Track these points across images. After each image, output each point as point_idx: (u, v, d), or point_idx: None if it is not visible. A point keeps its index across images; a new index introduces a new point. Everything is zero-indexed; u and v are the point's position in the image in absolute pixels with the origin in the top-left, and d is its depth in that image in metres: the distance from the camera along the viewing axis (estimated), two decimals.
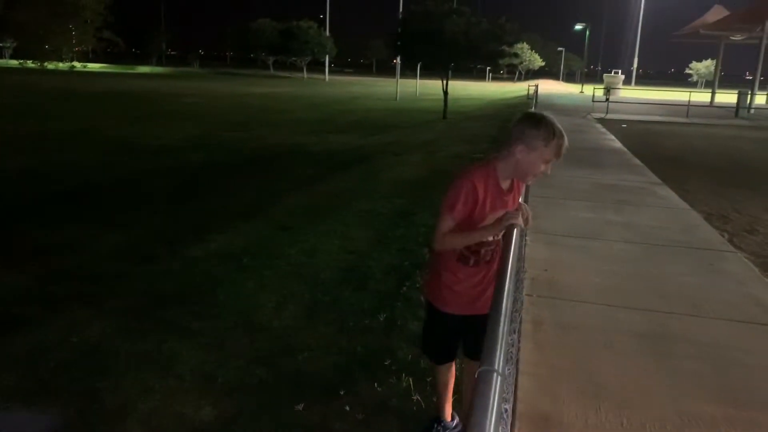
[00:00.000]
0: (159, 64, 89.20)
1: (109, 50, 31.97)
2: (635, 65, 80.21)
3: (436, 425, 3.10)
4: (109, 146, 13.06)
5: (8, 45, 44.52)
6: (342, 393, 3.49)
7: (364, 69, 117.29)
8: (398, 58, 24.64)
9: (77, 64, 17.01)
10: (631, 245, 6.12)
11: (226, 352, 3.99)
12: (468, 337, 2.91)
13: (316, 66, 76.77)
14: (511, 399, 1.62)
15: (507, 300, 1.45)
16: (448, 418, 3.14)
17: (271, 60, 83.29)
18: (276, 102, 29.20)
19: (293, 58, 75.91)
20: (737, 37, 39.03)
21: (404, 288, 5.11)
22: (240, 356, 3.93)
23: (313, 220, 7.43)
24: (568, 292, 4.76)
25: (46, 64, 16.42)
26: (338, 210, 7.99)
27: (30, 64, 16.07)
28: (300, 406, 3.35)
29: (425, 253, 5.83)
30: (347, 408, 3.34)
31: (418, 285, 5.09)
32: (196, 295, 5.01)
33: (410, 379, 3.61)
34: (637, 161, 11.74)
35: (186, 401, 3.38)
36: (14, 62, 19.63)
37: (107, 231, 6.81)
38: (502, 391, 1.12)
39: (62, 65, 16.31)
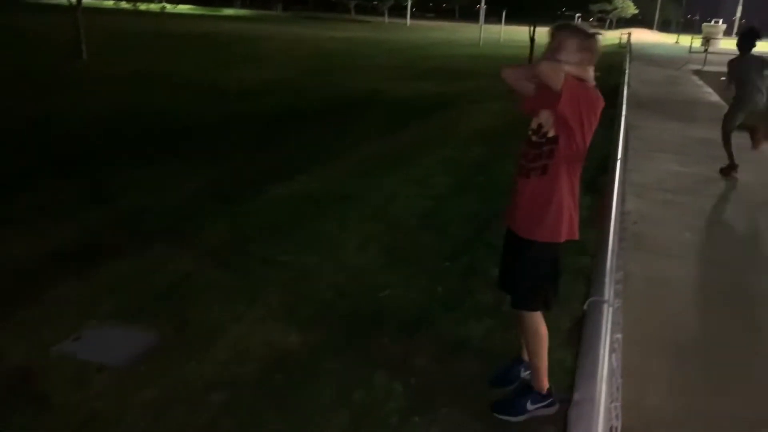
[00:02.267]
0: (244, 6, 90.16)
1: None
2: (738, 14, 74.30)
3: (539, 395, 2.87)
4: (193, 90, 13.42)
5: None
6: (422, 330, 3.56)
7: (446, 14, 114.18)
8: (482, 2, 23.80)
9: (168, 6, 17.45)
10: (723, 201, 5.84)
11: (312, 287, 4.13)
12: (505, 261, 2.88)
13: (398, 10, 75.49)
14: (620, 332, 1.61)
15: (614, 235, 1.42)
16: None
17: (352, 4, 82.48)
18: (356, 47, 29.04)
19: (375, 2, 74.90)
20: None
21: (484, 234, 5.09)
22: (324, 291, 4.06)
23: (391, 167, 7.45)
24: (657, 245, 4.63)
25: (138, 5, 16.89)
26: (417, 157, 7.97)
27: (124, 4, 16.61)
28: (384, 340, 3.46)
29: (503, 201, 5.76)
30: (427, 344, 3.41)
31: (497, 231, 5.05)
32: (281, 232, 5.17)
33: (491, 321, 3.64)
34: None
35: (274, 329, 3.55)
36: (109, 3, 20.29)
37: (193, 171, 7.05)
38: (614, 322, 1.11)
39: (154, 6, 16.77)
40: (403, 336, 3.51)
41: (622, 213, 4.72)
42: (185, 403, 2.88)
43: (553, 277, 2.75)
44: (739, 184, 6.38)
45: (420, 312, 3.80)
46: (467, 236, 5.12)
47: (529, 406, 2.82)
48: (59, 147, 7.98)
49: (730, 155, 7.09)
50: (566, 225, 2.58)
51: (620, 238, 1.52)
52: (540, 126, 2.59)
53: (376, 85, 15.21)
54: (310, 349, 3.35)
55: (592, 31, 2.54)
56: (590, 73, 2.55)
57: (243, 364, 3.21)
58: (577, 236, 2.63)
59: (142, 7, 16.47)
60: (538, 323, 2.75)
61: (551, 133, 2.52)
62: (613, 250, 1.35)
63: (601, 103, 2.50)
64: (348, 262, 4.59)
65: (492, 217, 5.38)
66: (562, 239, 2.61)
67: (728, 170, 7.00)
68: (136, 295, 3.94)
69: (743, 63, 7.29)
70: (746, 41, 7.38)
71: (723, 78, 18.22)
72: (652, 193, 5.95)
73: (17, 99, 11.05)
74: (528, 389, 2.86)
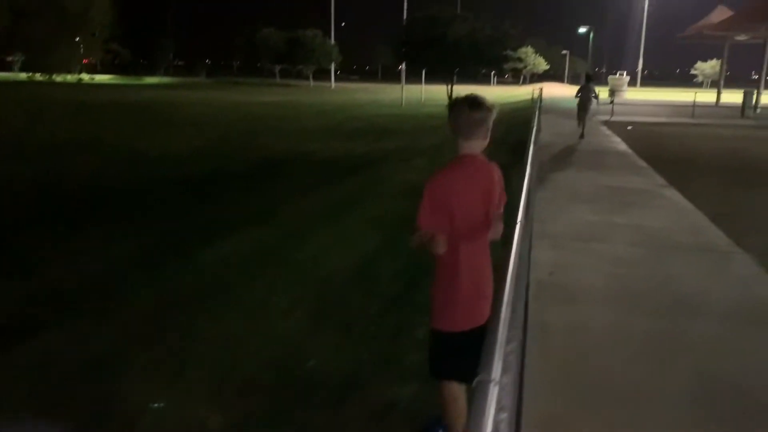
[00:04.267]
0: (167, 74, 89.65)
1: (117, 62, 32.31)
2: (640, 66, 80.00)
3: None
4: (115, 156, 13.15)
5: (17, 59, 45.05)
6: (350, 397, 3.52)
7: (370, 75, 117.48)
8: (403, 65, 24.67)
9: (85, 76, 17.17)
10: (637, 247, 6.13)
11: (237, 359, 4.03)
12: None
13: (323, 74, 77.03)
14: (513, 407, 1.63)
15: (506, 306, 1.47)
16: None
17: (277, 68, 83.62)
18: (282, 110, 29.31)
19: (299, 66, 76.24)
20: (742, 37, 38.88)
21: (411, 292, 5.14)
22: (249, 363, 3.97)
23: (319, 227, 7.47)
24: (574, 295, 4.78)
25: (54, 76, 16.55)
26: (344, 216, 8.04)
27: (38, 77, 16.23)
28: (310, 412, 3.39)
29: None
30: (356, 412, 3.37)
31: (426, 290, 5.11)
32: (206, 301, 5.05)
33: (417, 384, 3.63)
34: (643, 163, 11.74)
35: (197, 408, 3.42)
36: (23, 75, 19.75)
37: (115, 240, 6.86)
38: (499, 401, 1.13)
39: (70, 77, 16.45)
40: (330, 406, 3.45)
41: (528, 268, 4.88)
42: None
43: (471, 352, 2.77)
44: (650, 230, 6.74)
45: (347, 379, 3.76)
46: (394, 295, 5.15)
47: None
48: None
49: (581, 127, 15.97)
50: (463, 312, 2.63)
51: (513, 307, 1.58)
52: None
53: (303, 147, 15.35)
54: (235, 428, 3.24)
55: (485, 103, 2.62)
56: (481, 143, 2.66)
57: None
58: (482, 322, 2.56)
59: (58, 78, 16.11)
60: (456, 393, 2.74)
61: None
62: (504, 321, 1.39)
63: (481, 175, 2.64)
64: (274, 329, 4.52)
65: (420, 274, 5.45)
66: (458, 329, 2.63)
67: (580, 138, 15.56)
68: (51, 377, 3.73)
69: (584, 87, 16.20)
70: (588, 78, 16.98)
71: (629, 127, 19.43)
72: (567, 243, 6.19)
73: None
74: None
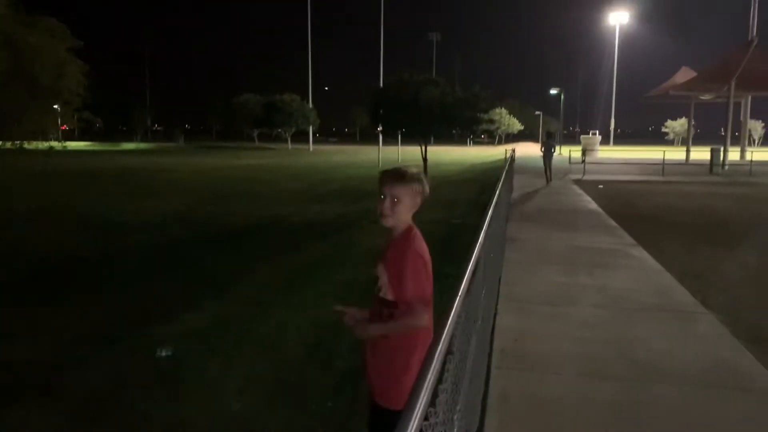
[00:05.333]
0: (144, 140, 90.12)
1: (97, 126, 32.36)
2: (612, 125, 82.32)
3: None
4: (82, 224, 12.96)
5: None
6: None
7: (348, 137, 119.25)
8: (380, 127, 25.09)
9: (56, 144, 17.09)
10: (604, 310, 6.06)
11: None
12: None
13: (301, 136, 78.04)
14: None
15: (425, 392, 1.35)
16: None
17: (255, 132, 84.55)
18: (259, 173, 29.40)
19: (277, 130, 77.21)
20: (706, 97, 40.34)
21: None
22: None
23: (286, 294, 7.32)
24: (538, 362, 4.67)
25: (25, 144, 16.42)
26: (312, 281, 7.90)
27: (8, 145, 16.12)
28: None
29: None
30: None
31: None
32: (162, 380, 4.85)
33: None
34: (613, 222, 11.83)
35: None
36: None
37: (72, 313, 6.64)
38: None
39: (42, 146, 16.34)
40: None
41: (491, 334, 4.76)
42: None
43: None
44: (618, 292, 6.69)
45: None
46: (354, 368, 4.98)
47: None
48: None
49: (547, 175, 20.65)
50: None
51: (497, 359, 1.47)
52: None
53: (278, 210, 15.29)
54: None
55: (413, 171, 2.63)
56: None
57: None
58: None
59: (29, 146, 16.02)
60: None
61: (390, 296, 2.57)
62: (421, 404, 1.29)
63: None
64: (228, 409, 4.33)
65: None
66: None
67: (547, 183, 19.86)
68: None
69: (546, 143, 21.84)
70: (548, 136, 23.02)
71: (600, 186, 19.75)
72: (533, 307, 6.10)
73: None
74: None
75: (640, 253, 8.87)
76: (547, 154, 21.16)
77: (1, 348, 5.51)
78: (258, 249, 10.43)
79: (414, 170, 2.66)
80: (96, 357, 5.32)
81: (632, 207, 15.08)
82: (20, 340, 5.78)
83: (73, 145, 32.19)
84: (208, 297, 7.18)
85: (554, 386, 4.23)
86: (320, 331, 5.92)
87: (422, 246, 2.60)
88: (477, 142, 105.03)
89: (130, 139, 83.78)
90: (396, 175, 2.61)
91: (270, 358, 5.26)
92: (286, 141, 77.02)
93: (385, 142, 41.77)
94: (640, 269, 7.88)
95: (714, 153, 28.66)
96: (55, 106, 17.33)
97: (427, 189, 2.65)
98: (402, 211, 2.61)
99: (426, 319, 2.48)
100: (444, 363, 1.64)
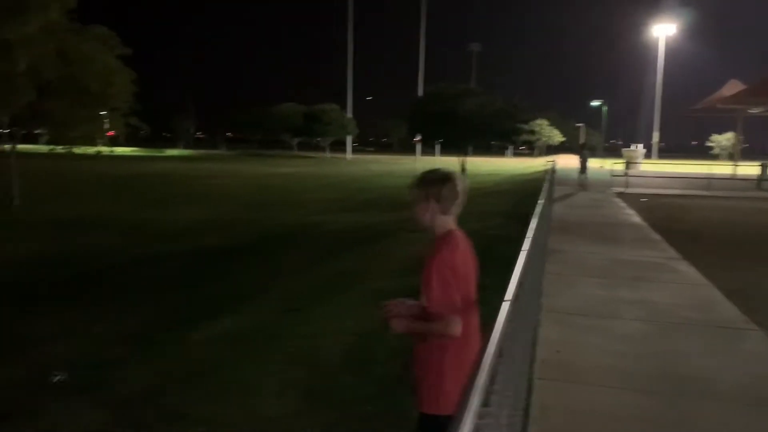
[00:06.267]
0: (187, 147, 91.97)
1: (142, 132, 33.16)
2: (656, 139, 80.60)
3: None
4: (127, 230, 13.26)
5: (44, 132, 46.65)
6: None
7: (386, 147, 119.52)
8: (418, 137, 25.13)
9: (103, 149, 17.63)
10: (647, 324, 5.90)
11: None
12: None
13: (340, 145, 78.56)
14: None
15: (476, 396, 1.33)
16: None
17: (295, 141, 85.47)
18: (297, 181, 29.69)
19: (317, 139, 77.93)
20: (755, 110, 39.16)
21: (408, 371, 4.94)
22: None
23: (321, 301, 7.34)
24: (580, 374, 4.56)
25: (74, 149, 16.99)
26: (347, 289, 7.91)
27: (59, 149, 16.69)
28: None
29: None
30: None
31: None
32: (199, 381, 4.91)
33: None
34: (656, 236, 11.54)
35: None
36: (45, 148, 20.40)
37: (113, 316, 6.79)
38: None
39: (90, 150, 16.91)
40: None
41: (534, 345, 4.69)
42: None
43: None
44: (659, 306, 6.51)
45: None
46: (391, 375, 4.95)
47: None
48: None
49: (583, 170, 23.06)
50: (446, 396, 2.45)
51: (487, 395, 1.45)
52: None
53: (315, 218, 15.40)
54: None
55: (432, 175, 2.58)
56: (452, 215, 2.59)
57: None
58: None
59: (78, 151, 16.55)
60: None
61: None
62: (472, 410, 1.27)
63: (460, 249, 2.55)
64: (264, 411, 4.35)
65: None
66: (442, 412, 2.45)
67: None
68: None
69: (582, 153, 23.79)
70: (582, 147, 26.28)
71: (643, 199, 19.33)
72: (575, 319, 5.98)
73: None
74: None
75: (685, 267, 8.62)
76: (584, 159, 23.78)
77: (45, 349, 5.66)
78: (294, 258, 10.50)
79: (435, 174, 2.59)
80: (133, 359, 5.47)
81: (677, 221, 14.69)
82: (64, 341, 5.94)
83: (119, 150, 33.11)
84: (245, 303, 7.27)
85: (596, 399, 4.13)
86: (356, 339, 5.91)
87: (452, 253, 2.51)
88: (517, 153, 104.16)
89: (172, 146, 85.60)
90: (417, 179, 2.58)
91: (306, 364, 5.28)
92: (324, 150, 77.68)
93: (423, 152, 41.72)
94: (684, 283, 7.66)
95: (764, 168, 27.78)
96: (103, 112, 17.88)
97: (457, 191, 2.55)
98: (421, 213, 2.55)
99: (456, 327, 2.41)
100: (494, 366, 1.62)
